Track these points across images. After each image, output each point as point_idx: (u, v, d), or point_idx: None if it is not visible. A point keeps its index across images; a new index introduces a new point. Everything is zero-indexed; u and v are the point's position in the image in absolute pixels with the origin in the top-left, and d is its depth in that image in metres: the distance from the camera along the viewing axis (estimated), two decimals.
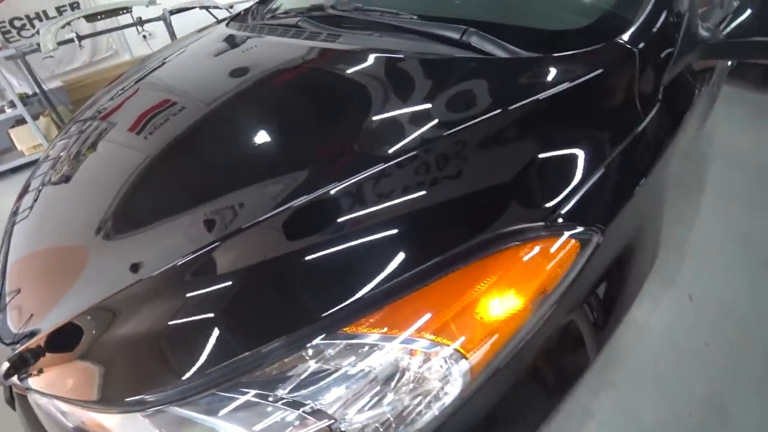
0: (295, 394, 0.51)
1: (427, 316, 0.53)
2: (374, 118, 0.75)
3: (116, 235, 0.75)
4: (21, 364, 0.64)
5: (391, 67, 0.86)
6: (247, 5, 1.68)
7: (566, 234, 0.59)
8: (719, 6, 1.22)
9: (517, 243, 0.57)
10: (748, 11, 0.92)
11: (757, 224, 1.63)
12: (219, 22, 1.71)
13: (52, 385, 0.62)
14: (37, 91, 2.79)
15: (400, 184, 0.62)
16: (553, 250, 0.58)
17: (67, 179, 0.99)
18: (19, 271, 0.84)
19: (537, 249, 0.58)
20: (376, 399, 0.51)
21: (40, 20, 3.38)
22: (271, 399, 0.51)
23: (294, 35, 1.13)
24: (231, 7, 3.23)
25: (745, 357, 1.21)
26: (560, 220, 0.60)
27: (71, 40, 2.65)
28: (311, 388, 0.51)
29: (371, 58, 0.90)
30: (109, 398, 0.56)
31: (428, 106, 0.73)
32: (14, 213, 1.02)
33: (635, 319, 1.32)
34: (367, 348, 0.52)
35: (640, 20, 0.79)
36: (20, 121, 3.00)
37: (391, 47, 0.91)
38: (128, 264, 0.67)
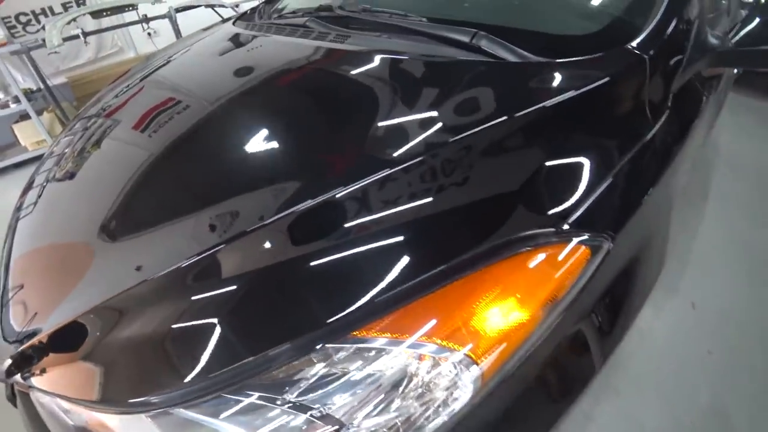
0: (303, 397, 0.50)
1: (437, 321, 0.53)
2: (382, 121, 0.74)
3: (121, 235, 0.75)
4: (23, 362, 0.64)
5: (399, 69, 0.86)
6: (253, 4, 1.68)
7: (576, 240, 0.59)
8: (726, 13, 1.22)
9: (528, 249, 0.57)
10: (757, 20, 0.92)
11: (760, 232, 1.63)
12: (225, 21, 1.71)
13: (55, 384, 0.62)
14: (42, 86, 2.79)
15: (410, 189, 0.62)
16: (563, 256, 0.58)
17: (71, 176, 0.99)
18: (22, 267, 0.84)
19: (547, 255, 0.57)
20: (384, 404, 0.51)
21: (46, 16, 3.38)
22: (278, 402, 0.50)
23: (302, 35, 1.13)
24: (237, 5, 3.24)
25: (747, 365, 1.21)
26: (570, 227, 0.59)
27: (77, 37, 2.65)
28: (319, 392, 0.50)
29: (380, 60, 0.89)
30: (113, 398, 0.56)
31: (437, 110, 0.73)
32: (18, 208, 1.02)
33: (638, 325, 1.30)
34: (374, 352, 0.52)
35: (651, 27, 0.79)
36: (24, 117, 3.00)
37: (400, 49, 0.91)
38: (133, 264, 0.67)
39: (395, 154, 0.66)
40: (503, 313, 0.54)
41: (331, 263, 0.57)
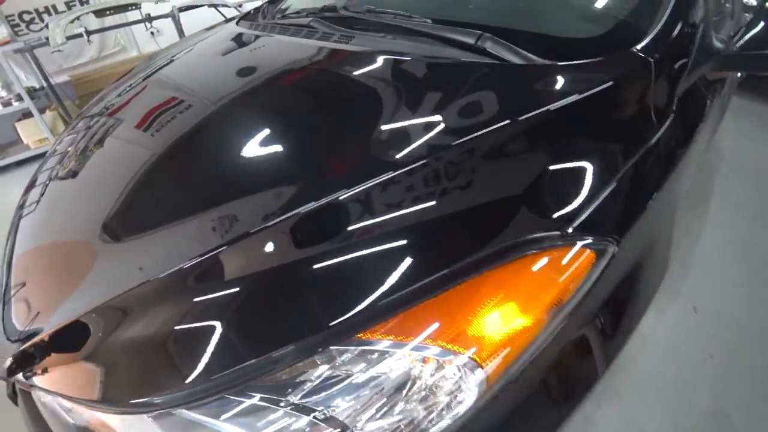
0: (306, 400, 0.50)
1: (441, 324, 0.52)
2: (386, 123, 0.74)
3: (123, 234, 0.75)
4: (25, 361, 0.64)
5: (404, 71, 0.86)
6: (256, 4, 1.68)
7: (581, 244, 0.59)
8: (730, 17, 1.22)
9: (533, 252, 0.57)
10: (762, 24, 0.92)
11: (762, 236, 1.63)
12: (228, 20, 1.71)
13: (57, 383, 0.62)
14: (45, 85, 2.80)
15: (414, 191, 0.62)
16: (568, 260, 0.57)
17: (74, 175, 0.99)
18: (25, 265, 0.83)
19: (552, 259, 0.57)
20: (387, 407, 0.51)
21: (49, 14, 3.38)
22: (281, 404, 0.50)
23: (306, 35, 1.13)
24: (240, 5, 3.24)
25: (748, 369, 1.20)
26: (575, 230, 0.59)
27: (80, 35, 2.66)
28: (322, 394, 0.50)
29: (384, 62, 0.89)
30: (116, 398, 0.56)
31: (442, 112, 0.73)
32: (21, 206, 1.02)
33: (640, 329, 1.29)
34: (378, 355, 0.52)
35: (656, 30, 0.78)
36: (27, 115, 3.01)
37: (404, 50, 0.91)
38: (135, 264, 0.67)
39: (399, 157, 0.66)
40: (508, 316, 0.54)
41: (335, 265, 0.57)
